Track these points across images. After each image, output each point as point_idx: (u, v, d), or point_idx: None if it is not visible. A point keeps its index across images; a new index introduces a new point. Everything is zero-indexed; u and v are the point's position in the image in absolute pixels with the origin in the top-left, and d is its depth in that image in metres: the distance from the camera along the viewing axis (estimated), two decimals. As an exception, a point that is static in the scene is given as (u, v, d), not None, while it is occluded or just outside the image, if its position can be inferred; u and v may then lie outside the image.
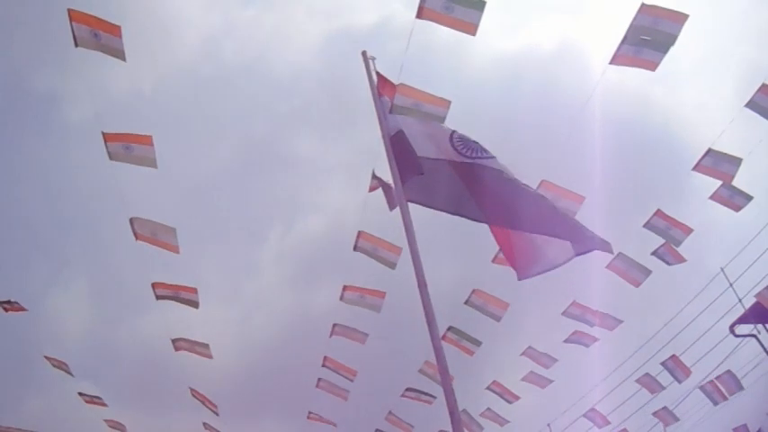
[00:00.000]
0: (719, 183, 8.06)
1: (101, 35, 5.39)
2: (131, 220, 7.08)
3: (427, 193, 7.26)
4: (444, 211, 7.41)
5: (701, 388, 12.16)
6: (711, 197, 8.26)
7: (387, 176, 7.16)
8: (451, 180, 7.28)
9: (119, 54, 5.51)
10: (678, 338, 12.88)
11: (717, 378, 12.12)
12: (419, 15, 5.54)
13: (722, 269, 13.14)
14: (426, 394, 11.32)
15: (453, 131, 7.30)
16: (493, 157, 7.18)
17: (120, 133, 6.25)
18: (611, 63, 5.74)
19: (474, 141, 7.27)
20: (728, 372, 12.22)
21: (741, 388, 12.13)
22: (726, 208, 8.26)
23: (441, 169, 7.29)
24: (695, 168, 7.86)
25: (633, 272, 8.84)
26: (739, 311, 13.76)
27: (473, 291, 8.83)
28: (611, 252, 7.23)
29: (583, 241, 6.94)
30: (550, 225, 7.07)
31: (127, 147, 6.22)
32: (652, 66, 5.76)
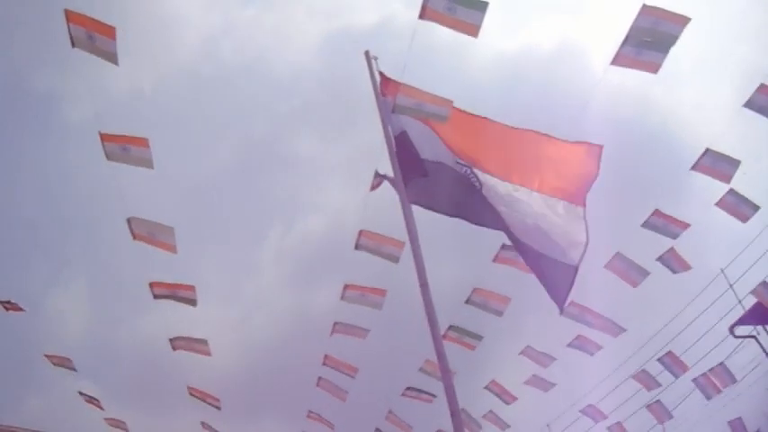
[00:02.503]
0: (722, 187, 8.06)
1: (95, 37, 5.36)
2: (129, 220, 7.09)
3: (429, 195, 7.30)
4: (445, 214, 7.47)
5: (694, 380, 12.18)
6: (717, 204, 8.27)
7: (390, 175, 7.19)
8: (452, 183, 7.33)
9: (111, 57, 5.47)
10: (678, 339, 12.90)
11: (710, 371, 12.16)
12: (422, 16, 5.54)
13: (722, 270, 13.16)
14: (426, 393, 11.32)
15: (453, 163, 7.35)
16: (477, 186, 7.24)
17: (116, 134, 6.25)
18: (612, 64, 5.71)
19: (463, 174, 7.33)
20: (722, 364, 12.26)
21: (734, 380, 12.19)
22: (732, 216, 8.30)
23: (442, 172, 7.34)
24: (694, 168, 7.86)
25: (632, 272, 8.85)
26: (739, 313, 13.80)
27: (474, 290, 8.83)
28: (560, 309, 7.21)
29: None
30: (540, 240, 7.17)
31: (124, 148, 6.22)
32: (654, 67, 5.73)
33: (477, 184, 7.25)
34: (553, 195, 7.05)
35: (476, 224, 7.47)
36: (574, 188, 6.99)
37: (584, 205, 6.95)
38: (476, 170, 7.29)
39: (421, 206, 7.23)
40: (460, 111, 6.99)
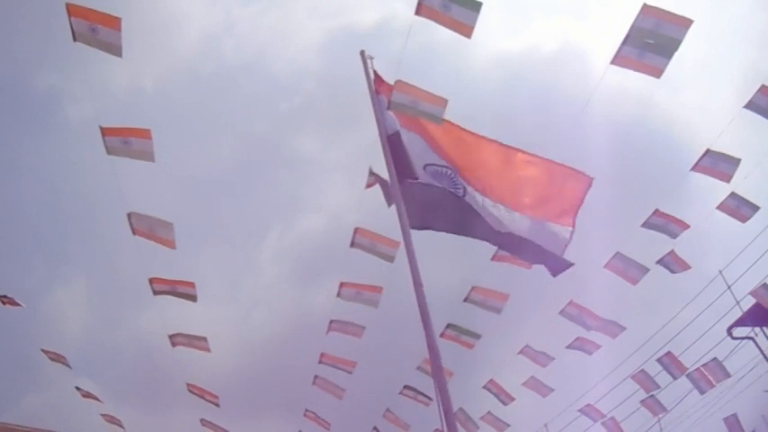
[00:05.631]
0: (723, 188, 8.04)
1: (98, 29, 5.26)
2: (129, 215, 7.09)
3: (423, 215, 7.32)
4: (433, 229, 7.55)
5: (688, 375, 12.17)
6: (718, 207, 8.24)
7: (383, 174, 7.20)
8: (435, 197, 7.41)
9: (115, 50, 5.35)
10: (676, 340, 12.89)
11: (704, 366, 12.17)
12: (417, 12, 5.51)
13: (720, 272, 13.13)
14: (424, 395, 11.31)
15: (427, 165, 7.40)
16: (461, 191, 7.31)
17: (118, 127, 6.20)
18: (612, 63, 5.59)
19: (445, 176, 7.38)
20: (715, 359, 12.26)
21: (728, 375, 12.19)
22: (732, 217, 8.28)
23: (423, 188, 7.42)
24: (694, 169, 7.80)
25: (631, 271, 8.84)
26: (737, 314, 13.79)
27: (472, 288, 8.82)
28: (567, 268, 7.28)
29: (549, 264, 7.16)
30: (522, 250, 7.26)
31: (125, 141, 6.16)
32: (657, 72, 5.58)
33: (460, 190, 7.30)
34: (535, 216, 7.12)
35: (461, 235, 7.52)
36: (559, 209, 7.06)
37: (573, 226, 7.00)
38: (459, 178, 7.34)
39: (419, 229, 7.29)
40: (453, 124, 7.06)
